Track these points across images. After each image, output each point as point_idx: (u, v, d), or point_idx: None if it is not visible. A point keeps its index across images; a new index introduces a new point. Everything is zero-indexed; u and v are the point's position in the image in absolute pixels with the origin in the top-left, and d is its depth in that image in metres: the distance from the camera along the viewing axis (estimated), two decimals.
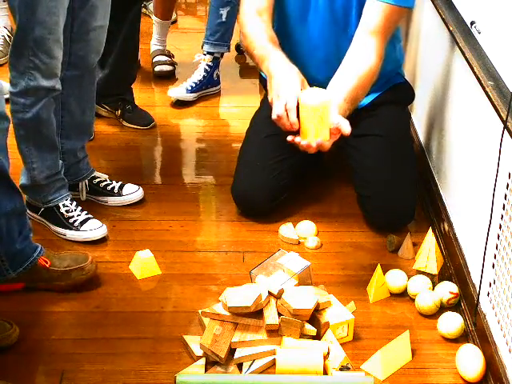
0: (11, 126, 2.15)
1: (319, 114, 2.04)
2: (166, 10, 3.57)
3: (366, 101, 2.61)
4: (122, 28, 3.00)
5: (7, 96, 2.32)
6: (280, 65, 2.25)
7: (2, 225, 2.08)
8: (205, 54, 3.40)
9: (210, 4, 3.34)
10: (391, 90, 2.64)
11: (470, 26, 2.25)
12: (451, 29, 2.37)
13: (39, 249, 2.21)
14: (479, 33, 2.18)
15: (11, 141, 2.32)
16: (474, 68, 2.11)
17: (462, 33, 2.30)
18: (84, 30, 2.36)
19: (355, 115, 2.61)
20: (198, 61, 3.43)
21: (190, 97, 3.37)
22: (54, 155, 2.42)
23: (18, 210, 2.12)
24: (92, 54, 2.44)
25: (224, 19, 3.29)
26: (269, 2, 2.44)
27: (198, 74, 3.40)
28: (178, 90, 3.37)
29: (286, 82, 2.18)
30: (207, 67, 3.39)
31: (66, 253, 2.30)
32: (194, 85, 3.37)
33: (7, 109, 2.06)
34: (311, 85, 2.22)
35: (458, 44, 2.29)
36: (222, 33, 3.33)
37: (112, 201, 2.65)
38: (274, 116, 2.16)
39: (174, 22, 4.09)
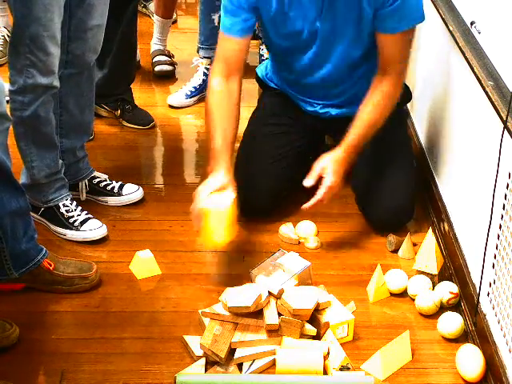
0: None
1: (218, 218, 2.23)
2: (168, 9, 3.56)
3: None
4: (119, 27, 3.00)
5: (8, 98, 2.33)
6: (218, 170, 2.32)
7: (7, 224, 2.08)
8: (202, 58, 3.40)
9: (200, 10, 3.33)
10: None
11: (470, 25, 2.25)
12: (451, 29, 2.37)
13: (44, 251, 2.22)
14: (479, 33, 2.18)
15: (11, 140, 2.33)
16: (474, 68, 2.11)
17: (461, 33, 2.30)
18: (81, 28, 2.36)
19: (350, 121, 2.61)
20: (197, 65, 3.42)
21: (190, 101, 3.37)
22: (54, 154, 2.42)
23: (23, 210, 2.12)
24: (89, 53, 2.44)
25: (216, 24, 3.28)
26: (239, 63, 2.44)
27: (198, 78, 3.39)
28: (178, 98, 3.35)
29: (206, 187, 2.29)
30: (206, 70, 3.39)
31: (72, 259, 2.30)
32: (193, 89, 3.37)
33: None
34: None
35: (458, 44, 2.28)
36: (215, 37, 3.32)
37: (112, 201, 2.65)
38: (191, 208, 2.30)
39: (174, 21, 4.09)
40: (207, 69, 3.39)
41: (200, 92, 3.38)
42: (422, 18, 2.36)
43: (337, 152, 2.40)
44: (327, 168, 2.37)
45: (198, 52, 3.39)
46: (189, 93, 3.37)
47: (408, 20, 2.33)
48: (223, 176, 2.31)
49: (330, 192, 2.36)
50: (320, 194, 2.35)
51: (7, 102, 2.29)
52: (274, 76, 2.68)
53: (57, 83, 2.30)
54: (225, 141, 2.38)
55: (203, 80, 3.38)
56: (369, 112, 2.42)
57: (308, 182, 2.36)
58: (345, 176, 2.41)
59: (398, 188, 2.50)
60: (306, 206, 2.38)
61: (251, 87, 3.50)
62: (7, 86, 2.31)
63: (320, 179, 2.36)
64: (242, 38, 2.42)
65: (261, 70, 2.75)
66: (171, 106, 3.35)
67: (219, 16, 3.26)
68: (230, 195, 2.27)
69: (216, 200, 2.25)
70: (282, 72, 2.62)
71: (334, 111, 2.61)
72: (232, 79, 2.44)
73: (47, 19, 2.16)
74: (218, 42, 2.49)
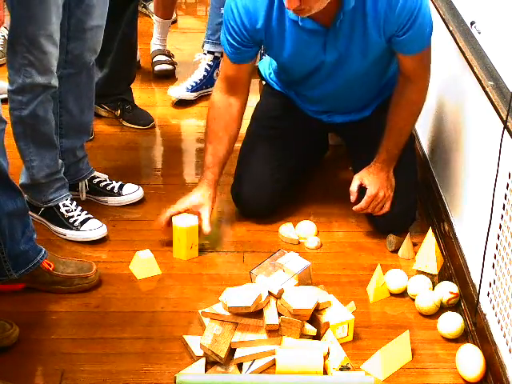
0: (9, 124, 2.15)
1: (178, 235, 2.39)
2: (167, 9, 3.57)
3: (367, 113, 2.60)
4: (120, 27, 3.00)
5: (5, 96, 2.33)
6: (201, 186, 2.46)
7: (5, 225, 2.08)
8: (205, 54, 3.40)
9: (210, 4, 3.34)
10: (390, 96, 2.61)
11: (469, 26, 2.25)
12: (451, 29, 2.37)
13: (43, 252, 2.21)
14: (479, 33, 2.18)
15: (11, 140, 2.33)
16: (474, 68, 2.11)
17: (461, 33, 2.30)
18: (80, 28, 2.36)
19: (358, 124, 2.61)
20: (199, 60, 3.43)
21: (191, 96, 3.37)
22: (53, 153, 2.42)
23: (20, 210, 2.12)
24: (88, 53, 2.44)
25: None
26: (242, 83, 2.44)
27: (199, 74, 3.40)
28: (178, 90, 3.37)
29: (184, 202, 2.44)
30: (207, 67, 3.39)
31: (72, 259, 2.30)
32: (194, 84, 3.37)
33: (6, 108, 2.06)
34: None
35: (458, 44, 2.28)
36: None
37: (112, 201, 2.65)
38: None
39: (174, 21, 4.09)
40: (209, 65, 3.39)
41: (200, 87, 3.38)
42: (432, 29, 2.31)
43: (372, 164, 2.47)
44: (364, 180, 2.46)
45: (202, 47, 3.39)
46: (189, 87, 3.37)
47: (423, 40, 2.30)
48: (202, 195, 2.42)
49: (370, 201, 2.45)
50: (362, 202, 2.46)
51: (6, 101, 2.31)
52: (279, 81, 2.67)
53: (55, 82, 2.30)
54: (214, 158, 2.45)
55: (204, 76, 3.39)
56: (395, 121, 2.43)
57: (352, 194, 2.47)
58: (389, 184, 2.47)
59: (400, 192, 2.49)
60: (355, 207, 2.49)
61: (251, 87, 3.49)
62: (6, 86, 2.32)
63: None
64: (243, 64, 2.39)
65: (263, 68, 2.71)
66: (174, 103, 3.35)
67: None
68: (195, 220, 2.40)
69: (182, 218, 2.40)
70: (288, 86, 2.61)
71: (339, 118, 2.61)
72: (234, 95, 2.44)
73: (44, 19, 2.16)
74: (223, 60, 2.46)
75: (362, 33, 2.25)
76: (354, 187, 2.47)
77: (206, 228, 2.42)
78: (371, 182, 2.45)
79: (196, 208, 2.42)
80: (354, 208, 2.48)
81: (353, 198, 2.47)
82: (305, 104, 2.60)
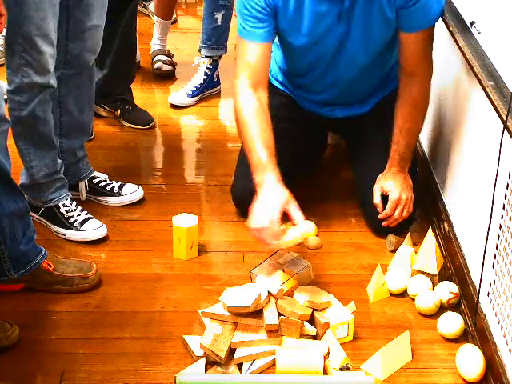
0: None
1: (178, 235, 2.39)
2: (168, 10, 3.57)
3: (367, 108, 2.60)
4: (119, 27, 3.00)
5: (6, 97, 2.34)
6: (269, 180, 2.22)
7: (5, 225, 2.08)
8: (203, 57, 3.40)
9: (203, 9, 3.34)
10: (390, 94, 2.62)
11: (469, 25, 2.25)
12: (451, 29, 2.36)
13: (43, 252, 2.22)
14: (479, 33, 2.18)
15: (11, 140, 2.33)
16: (474, 68, 2.11)
17: (461, 33, 2.30)
18: (79, 28, 2.36)
19: (357, 121, 2.61)
20: (198, 64, 3.43)
21: (191, 101, 3.37)
22: (52, 154, 2.42)
23: (21, 211, 2.12)
24: (88, 53, 2.44)
25: (219, 23, 3.29)
26: (265, 70, 2.37)
27: (199, 78, 3.40)
28: (179, 97, 3.36)
29: (269, 201, 2.18)
30: (207, 70, 3.40)
31: (71, 259, 2.30)
32: (194, 89, 3.37)
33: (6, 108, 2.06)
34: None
35: (458, 44, 2.28)
36: (217, 36, 3.34)
37: (112, 201, 2.65)
38: (254, 225, 2.14)
39: (174, 21, 4.10)
40: (208, 68, 3.40)
41: (201, 91, 3.39)
42: (442, 5, 2.30)
43: (386, 169, 2.47)
44: (384, 187, 2.45)
45: (199, 51, 3.40)
46: (190, 92, 3.37)
47: (432, 12, 2.29)
48: (282, 190, 2.21)
49: (395, 206, 2.44)
50: (387, 208, 2.44)
51: (5, 101, 2.31)
52: (281, 75, 2.65)
53: (53, 82, 2.30)
54: (270, 153, 2.29)
55: (204, 79, 3.39)
56: (402, 122, 2.42)
57: (378, 207, 2.46)
58: (409, 185, 2.47)
59: None
60: (380, 215, 2.46)
61: None
62: (5, 86, 2.32)
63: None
64: (265, 43, 2.34)
65: None
66: (173, 105, 3.35)
67: (222, 15, 3.27)
68: (195, 220, 2.41)
69: (182, 218, 2.42)
70: (295, 78, 2.61)
71: (340, 113, 2.61)
72: (260, 89, 2.36)
73: (39, 18, 2.16)
74: (240, 50, 2.39)
75: (369, 9, 2.25)
76: (377, 199, 2.45)
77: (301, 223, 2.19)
78: (392, 187, 2.44)
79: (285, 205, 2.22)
80: (379, 216, 2.45)
81: (380, 209, 2.46)
82: (309, 96, 2.59)
